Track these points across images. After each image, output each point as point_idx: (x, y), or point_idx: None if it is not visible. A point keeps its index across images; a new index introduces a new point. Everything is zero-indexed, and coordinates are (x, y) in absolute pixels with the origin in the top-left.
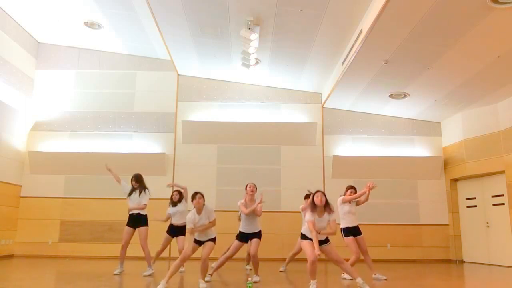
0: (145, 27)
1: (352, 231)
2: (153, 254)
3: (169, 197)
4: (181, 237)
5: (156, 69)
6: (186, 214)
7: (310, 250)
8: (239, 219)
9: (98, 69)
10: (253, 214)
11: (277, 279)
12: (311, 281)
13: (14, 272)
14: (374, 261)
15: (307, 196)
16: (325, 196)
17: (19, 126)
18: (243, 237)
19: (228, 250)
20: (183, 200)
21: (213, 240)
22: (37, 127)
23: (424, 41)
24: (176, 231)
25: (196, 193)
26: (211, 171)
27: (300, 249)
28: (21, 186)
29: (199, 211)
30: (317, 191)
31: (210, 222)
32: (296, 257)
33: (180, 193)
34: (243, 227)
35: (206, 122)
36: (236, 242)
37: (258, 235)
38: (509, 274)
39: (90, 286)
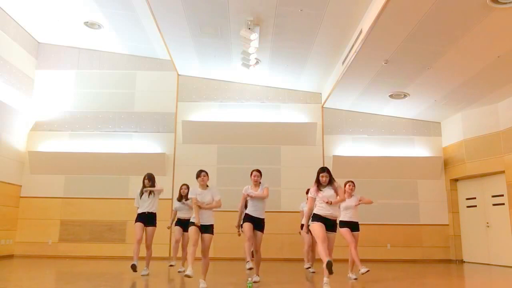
0: (145, 27)
1: (348, 225)
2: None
3: (170, 197)
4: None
5: (156, 69)
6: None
7: (320, 231)
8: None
9: (98, 69)
10: (259, 198)
11: (277, 278)
12: (326, 259)
13: (14, 272)
14: (375, 261)
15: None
16: (329, 175)
17: (19, 126)
18: (250, 219)
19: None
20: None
21: (212, 230)
22: (37, 127)
23: (424, 41)
24: (184, 224)
25: (201, 171)
26: (211, 171)
27: (313, 241)
28: (21, 186)
29: (202, 188)
30: (322, 171)
31: (216, 202)
32: (296, 256)
33: (188, 187)
34: (249, 210)
35: (206, 122)
36: (246, 225)
37: (262, 224)
38: (509, 274)
39: (90, 286)
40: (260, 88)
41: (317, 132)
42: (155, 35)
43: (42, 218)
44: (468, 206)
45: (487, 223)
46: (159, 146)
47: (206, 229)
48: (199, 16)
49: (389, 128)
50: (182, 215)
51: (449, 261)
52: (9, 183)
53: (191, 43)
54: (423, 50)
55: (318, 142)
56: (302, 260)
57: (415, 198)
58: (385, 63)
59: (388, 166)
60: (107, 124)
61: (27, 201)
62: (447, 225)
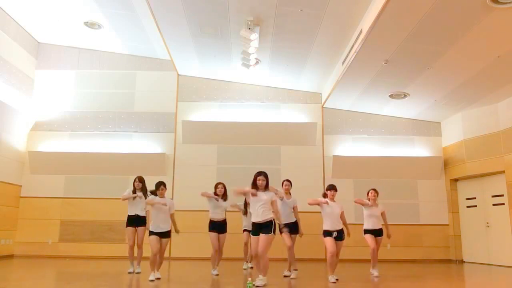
0: (145, 27)
1: (371, 233)
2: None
3: (170, 197)
4: (223, 235)
5: (156, 69)
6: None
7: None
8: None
9: (98, 69)
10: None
11: (278, 279)
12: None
13: (14, 272)
14: None
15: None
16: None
17: (19, 126)
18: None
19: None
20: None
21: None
22: (37, 127)
23: (424, 41)
24: (219, 227)
25: (160, 183)
26: (211, 171)
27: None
28: (21, 186)
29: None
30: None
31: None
32: (296, 257)
33: (225, 187)
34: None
35: (206, 122)
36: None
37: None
38: (509, 274)
39: (90, 286)
40: (260, 88)
41: (317, 132)
42: (155, 35)
43: (42, 218)
44: (468, 206)
45: (487, 223)
46: (159, 146)
47: (164, 235)
48: (199, 16)
49: (389, 128)
50: (215, 216)
51: (449, 261)
52: (9, 183)
53: (191, 43)
54: (423, 50)
55: (318, 142)
56: (301, 260)
57: (415, 198)
58: (385, 63)
59: (388, 166)
60: (107, 124)
61: (27, 201)
62: (447, 225)
